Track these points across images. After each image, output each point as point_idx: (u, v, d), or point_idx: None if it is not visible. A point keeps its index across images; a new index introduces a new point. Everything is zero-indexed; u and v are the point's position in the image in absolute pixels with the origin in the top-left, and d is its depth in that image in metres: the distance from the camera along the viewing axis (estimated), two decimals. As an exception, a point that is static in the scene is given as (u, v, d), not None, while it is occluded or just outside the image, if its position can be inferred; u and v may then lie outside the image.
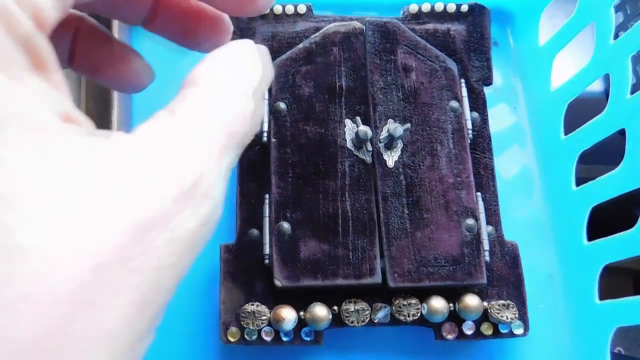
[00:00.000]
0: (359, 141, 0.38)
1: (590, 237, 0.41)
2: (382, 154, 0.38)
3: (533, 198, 0.46)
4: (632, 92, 0.37)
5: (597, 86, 0.52)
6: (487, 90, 0.47)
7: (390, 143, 0.38)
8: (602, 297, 0.39)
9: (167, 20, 0.23)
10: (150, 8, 0.23)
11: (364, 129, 0.37)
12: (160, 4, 0.23)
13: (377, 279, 0.36)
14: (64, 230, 0.13)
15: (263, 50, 0.21)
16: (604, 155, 0.41)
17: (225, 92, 0.18)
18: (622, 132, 0.38)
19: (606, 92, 0.42)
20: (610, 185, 0.39)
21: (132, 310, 0.14)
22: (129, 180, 0.14)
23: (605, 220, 0.41)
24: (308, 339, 0.37)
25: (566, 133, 0.44)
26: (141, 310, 0.14)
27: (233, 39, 0.21)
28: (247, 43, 0.20)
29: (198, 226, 0.15)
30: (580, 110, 0.43)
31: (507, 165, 0.46)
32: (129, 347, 0.14)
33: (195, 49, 0.25)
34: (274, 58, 0.42)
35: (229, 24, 0.24)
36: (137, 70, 0.25)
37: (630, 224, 0.36)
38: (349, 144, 0.38)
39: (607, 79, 0.41)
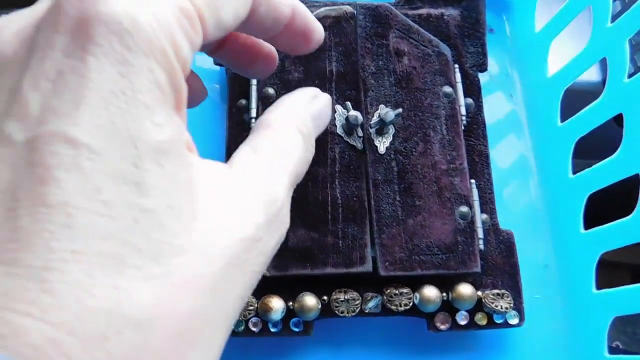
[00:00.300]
0: (350, 127, 0.37)
1: (587, 226, 0.40)
2: (373, 140, 0.37)
3: (529, 186, 0.45)
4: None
5: (594, 75, 0.51)
6: (483, 77, 0.46)
7: (381, 128, 0.37)
8: (598, 287, 0.38)
9: (231, 51, 0.27)
10: (217, 41, 0.26)
11: (354, 114, 0.36)
12: (227, 38, 0.26)
13: (368, 267, 0.35)
14: (207, 237, 0.18)
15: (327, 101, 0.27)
16: (601, 149, 0.40)
17: (292, 139, 0.23)
18: (619, 123, 0.37)
19: (604, 82, 0.41)
20: (607, 171, 0.38)
21: (239, 302, 0.19)
22: (238, 204, 0.19)
23: (602, 208, 0.40)
24: (297, 329, 0.36)
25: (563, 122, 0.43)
26: (241, 301, 0.19)
27: None
28: (323, 97, 0.27)
29: (276, 245, 0.21)
30: (578, 100, 0.42)
31: (503, 153, 0.46)
32: (231, 326, 0.19)
33: (244, 74, 0.30)
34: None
35: (277, 56, 0.29)
36: (197, 89, 0.28)
37: (627, 212, 0.35)
38: (339, 130, 0.37)
39: (604, 68, 0.40)
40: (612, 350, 0.37)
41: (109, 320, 0.15)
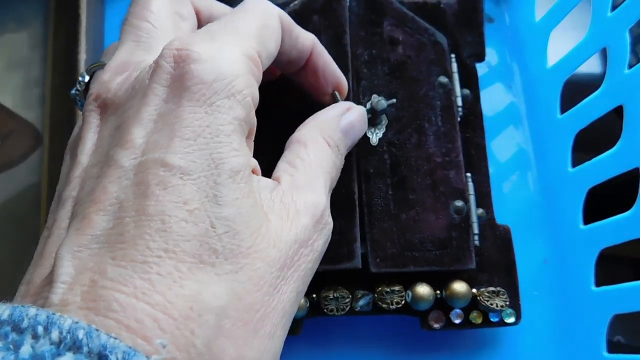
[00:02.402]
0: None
1: (587, 221, 0.38)
2: (365, 131, 0.36)
3: (528, 179, 0.43)
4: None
5: (595, 67, 0.49)
6: (481, 68, 0.45)
7: (373, 119, 0.36)
8: (598, 284, 0.37)
9: (305, 77, 0.32)
10: (300, 68, 0.31)
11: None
12: (309, 67, 0.31)
13: (356, 263, 0.33)
14: (268, 241, 0.21)
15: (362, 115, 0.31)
16: (601, 143, 0.39)
17: (323, 152, 0.27)
18: (620, 116, 0.36)
19: (604, 74, 0.40)
20: (607, 165, 0.37)
21: (294, 296, 0.22)
22: (289, 212, 0.23)
23: (602, 203, 0.39)
24: (284, 328, 0.34)
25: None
26: (297, 296, 0.22)
27: None
28: (355, 110, 0.31)
29: (323, 243, 0.24)
30: (579, 93, 0.41)
31: (501, 145, 0.44)
32: (290, 320, 0.22)
33: (316, 97, 0.33)
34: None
35: (346, 89, 0.34)
36: None
37: (627, 207, 0.34)
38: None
39: (605, 60, 0.39)
40: (614, 346, 0.36)
41: (192, 305, 0.19)
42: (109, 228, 0.20)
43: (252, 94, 0.23)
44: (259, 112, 0.25)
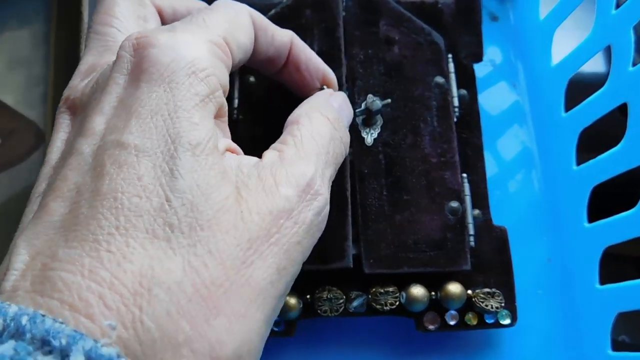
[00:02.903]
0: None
1: (591, 219, 0.38)
2: (360, 131, 0.36)
3: (532, 178, 0.43)
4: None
5: (599, 67, 0.49)
6: (486, 67, 0.45)
7: (368, 119, 0.36)
8: (602, 283, 0.37)
9: (289, 75, 0.31)
10: (281, 67, 0.31)
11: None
12: (290, 64, 0.31)
13: (348, 262, 0.33)
14: (234, 214, 0.21)
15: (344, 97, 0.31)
16: (606, 142, 0.38)
17: (319, 124, 0.26)
18: (624, 114, 0.36)
19: (608, 73, 0.40)
20: (612, 162, 0.36)
21: (274, 272, 0.21)
22: (266, 183, 0.22)
23: (606, 201, 0.38)
24: (278, 329, 0.34)
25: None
26: (279, 273, 0.21)
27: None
28: (339, 93, 0.31)
29: (314, 215, 0.23)
30: (584, 93, 0.41)
31: (506, 144, 0.44)
32: (270, 301, 0.21)
33: (304, 93, 0.32)
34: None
35: (335, 81, 0.33)
36: None
37: (631, 205, 0.34)
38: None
39: (609, 59, 0.39)
40: (619, 345, 0.35)
41: (141, 280, 0.18)
42: (66, 213, 0.20)
43: (216, 74, 0.23)
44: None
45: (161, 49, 0.22)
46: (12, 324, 0.16)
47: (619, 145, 0.36)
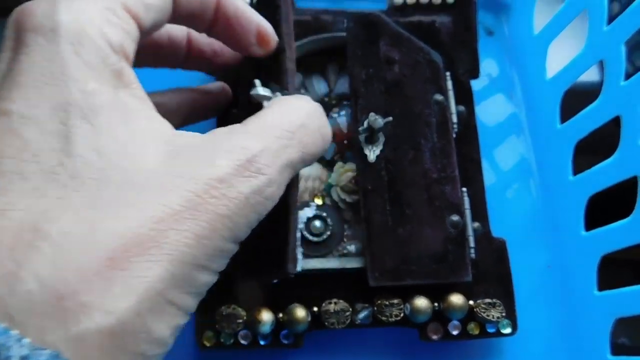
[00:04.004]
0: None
1: (588, 227, 0.39)
2: (362, 148, 0.37)
3: (530, 187, 0.45)
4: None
5: (593, 75, 0.50)
6: (482, 80, 0.46)
7: (371, 136, 0.37)
8: (600, 289, 0.38)
9: (222, 32, 0.29)
10: (211, 23, 0.29)
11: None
12: (219, 16, 0.28)
13: (284, 274, 0.29)
14: (148, 178, 0.20)
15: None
16: (602, 146, 0.39)
17: (291, 104, 0.26)
18: (617, 124, 0.37)
19: (602, 82, 0.41)
20: (607, 173, 0.38)
21: (192, 240, 0.20)
22: (202, 154, 0.22)
23: (602, 209, 0.39)
24: (287, 341, 0.35)
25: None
26: (198, 242, 0.20)
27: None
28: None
29: (250, 192, 0.21)
30: (577, 100, 0.42)
31: (503, 155, 0.46)
32: (188, 269, 0.20)
33: (244, 52, 0.31)
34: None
35: (273, 35, 0.30)
36: (207, 103, 0.36)
37: (627, 213, 0.35)
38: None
39: (603, 68, 0.40)
40: (618, 347, 0.37)
41: (21, 234, 0.18)
42: None
43: (108, 40, 0.22)
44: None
45: (37, 18, 0.21)
46: None
47: (613, 157, 0.37)
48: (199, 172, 0.21)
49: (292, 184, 0.27)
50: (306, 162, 0.25)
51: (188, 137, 0.22)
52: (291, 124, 0.24)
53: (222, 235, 0.21)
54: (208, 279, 0.21)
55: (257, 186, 0.22)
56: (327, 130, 0.27)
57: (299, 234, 0.37)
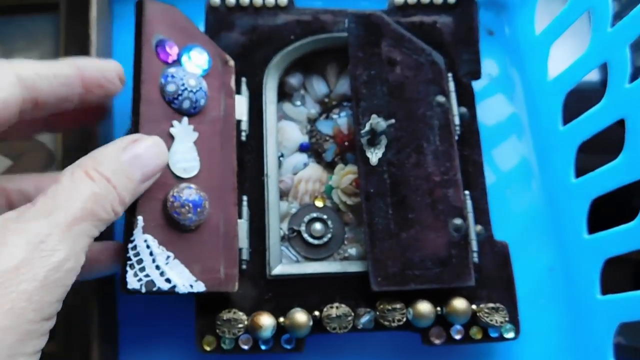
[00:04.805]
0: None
1: (591, 231, 0.39)
2: (365, 151, 0.37)
3: (532, 190, 0.44)
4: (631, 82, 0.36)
5: (594, 76, 0.49)
6: (483, 80, 0.45)
7: (373, 139, 0.37)
8: (602, 289, 0.38)
9: (97, 93, 0.31)
10: (85, 92, 0.30)
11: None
12: (89, 86, 0.30)
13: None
14: None
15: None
16: (606, 145, 0.39)
17: (75, 185, 0.25)
18: (621, 124, 0.36)
19: (602, 82, 0.40)
20: (610, 176, 0.37)
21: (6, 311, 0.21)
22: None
23: (605, 213, 0.39)
24: (288, 346, 0.35)
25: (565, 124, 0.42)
26: (4, 332, 0.21)
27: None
28: (145, 140, 0.29)
29: (48, 270, 0.23)
30: (578, 101, 0.42)
31: (505, 157, 0.45)
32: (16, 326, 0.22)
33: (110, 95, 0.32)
34: (254, 51, 0.41)
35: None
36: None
37: (630, 217, 0.35)
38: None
39: (604, 69, 0.39)
40: (616, 348, 0.36)
41: None
42: None
43: None
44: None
45: None
46: None
47: (617, 160, 0.36)
48: (2, 261, 0.22)
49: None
50: (102, 227, 0.26)
51: None
52: (81, 195, 0.25)
53: (28, 318, 0.22)
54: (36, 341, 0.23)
55: (55, 264, 0.23)
56: (126, 193, 0.27)
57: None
